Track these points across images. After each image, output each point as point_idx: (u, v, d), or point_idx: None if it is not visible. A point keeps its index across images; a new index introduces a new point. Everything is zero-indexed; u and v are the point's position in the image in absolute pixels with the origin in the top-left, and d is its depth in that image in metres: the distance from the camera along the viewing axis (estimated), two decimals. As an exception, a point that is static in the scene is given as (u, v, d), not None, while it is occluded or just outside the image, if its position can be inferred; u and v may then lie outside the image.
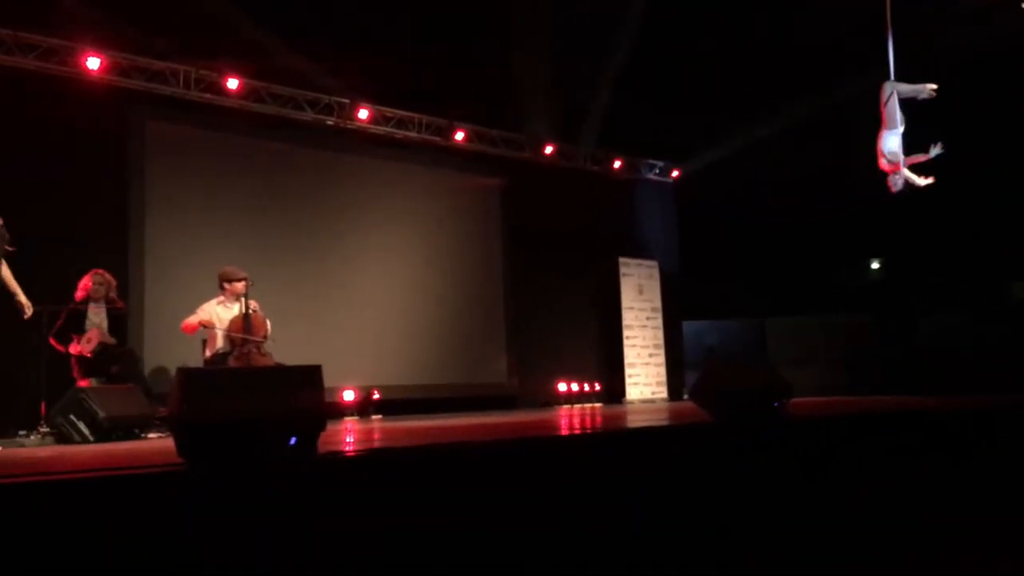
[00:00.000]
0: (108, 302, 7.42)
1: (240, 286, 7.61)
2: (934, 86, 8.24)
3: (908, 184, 8.29)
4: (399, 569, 3.33)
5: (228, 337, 7.45)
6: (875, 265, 15.47)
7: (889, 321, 14.02)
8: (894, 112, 8.17)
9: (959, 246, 13.58)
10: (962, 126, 9.00)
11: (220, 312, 7.67)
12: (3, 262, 6.38)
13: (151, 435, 6.52)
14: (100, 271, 7.47)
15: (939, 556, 4.36)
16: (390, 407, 9.84)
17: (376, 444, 4.88)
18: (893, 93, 8.20)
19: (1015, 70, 11.13)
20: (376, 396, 9.88)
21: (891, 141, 8.21)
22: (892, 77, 8.30)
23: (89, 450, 5.24)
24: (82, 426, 6.04)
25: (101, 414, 6.06)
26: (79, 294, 7.32)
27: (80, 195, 8.27)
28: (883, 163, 8.27)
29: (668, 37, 11.00)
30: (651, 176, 13.52)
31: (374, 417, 9.59)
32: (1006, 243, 13.34)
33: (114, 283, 7.55)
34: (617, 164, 12.92)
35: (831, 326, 13.78)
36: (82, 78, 8.44)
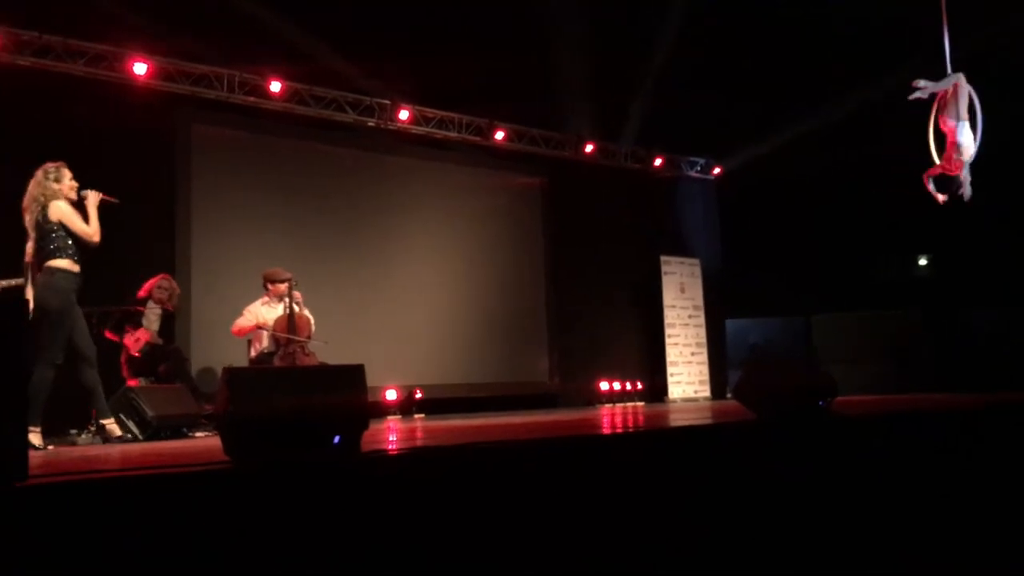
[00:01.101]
0: (166, 308, 7.55)
1: (284, 287, 7.70)
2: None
3: (953, 188, 8.04)
4: (440, 567, 3.34)
5: (273, 337, 7.54)
6: (923, 261, 15.20)
7: (938, 317, 13.76)
8: (961, 105, 7.95)
9: (1008, 241, 13.30)
10: (1013, 119, 8.82)
11: (265, 312, 7.77)
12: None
13: (198, 434, 6.62)
14: (168, 276, 7.61)
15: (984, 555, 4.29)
16: (432, 406, 9.89)
17: (418, 443, 4.91)
18: (959, 85, 7.96)
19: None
20: (418, 395, 9.93)
21: (965, 135, 7.94)
22: (949, 69, 8.11)
23: (138, 448, 5.33)
24: (131, 425, 6.16)
25: (150, 413, 6.17)
26: (141, 292, 7.46)
27: (128, 197, 8.38)
28: (953, 159, 7.98)
29: (708, 32, 10.90)
30: (692, 173, 13.43)
31: (416, 416, 9.64)
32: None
33: (178, 291, 7.68)
34: (658, 162, 12.85)
35: (878, 322, 13.56)
36: (129, 83, 8.60)
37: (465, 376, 10.67)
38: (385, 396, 9.59)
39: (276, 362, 7.36)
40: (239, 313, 7.87)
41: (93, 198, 5.63)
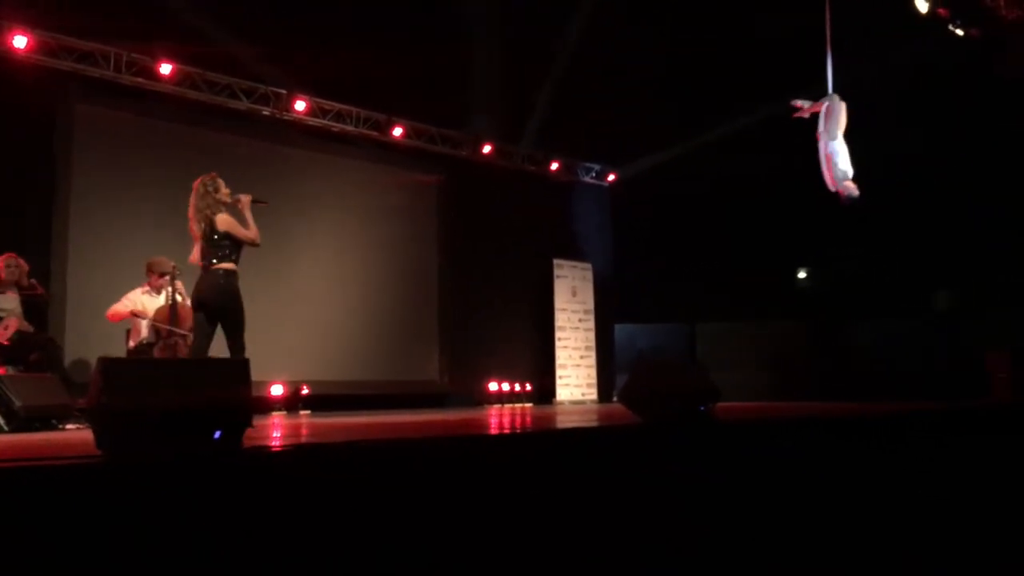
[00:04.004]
0: (23, 288, 7.20)
1: (165, 279, 7.45)
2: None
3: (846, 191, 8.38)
4: (321, 566, 3.29)
5: (153, 327, 7.29)
6: (802, 275, 15.79)
7: (817, 328, 14.34)
8: (833, 124, 8.32)
9: (885, 256, 13.95)
10: (892, 140, 9.26)
11: (146, 301, 7.51)
12: None
13: (69, 426, 6.35)
14: (12, 254, 7.24)
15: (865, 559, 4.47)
16: (319, 403, 9.73)
17: (302, 440, 4.82)
18: (832, 104, 8.35)
19: (945, 88, 11.49)
20: (305, 391, 9.76)
21: (838, 153, 8.31)
22: (831, 90, 8.47)
23: (3, 440, 5.08)
24: (-3, 415, 5.86)
25: (17, 403, 5.89)
26: None
27: (3, 177, 8.02)
28: (829, 175, 8.35)
29: (610, 41, 11.07)
30: (588, 179, 13.63)
31: (302, 412, 9.47)
32: (928, 255, 13.76)
33: (26, 268, 7.31)
34: (555, 166, 12.99)
35: (760, 332, 14.03)
36: (8, 57, 8.18)
37: (354, 373, 10.54)
38: (270, 391, 9.40)
39: (156, 353, 7.13)
40: (118, 300, 7.59)
41: (245, 201, 6.16)
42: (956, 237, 13.30)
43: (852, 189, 8.31)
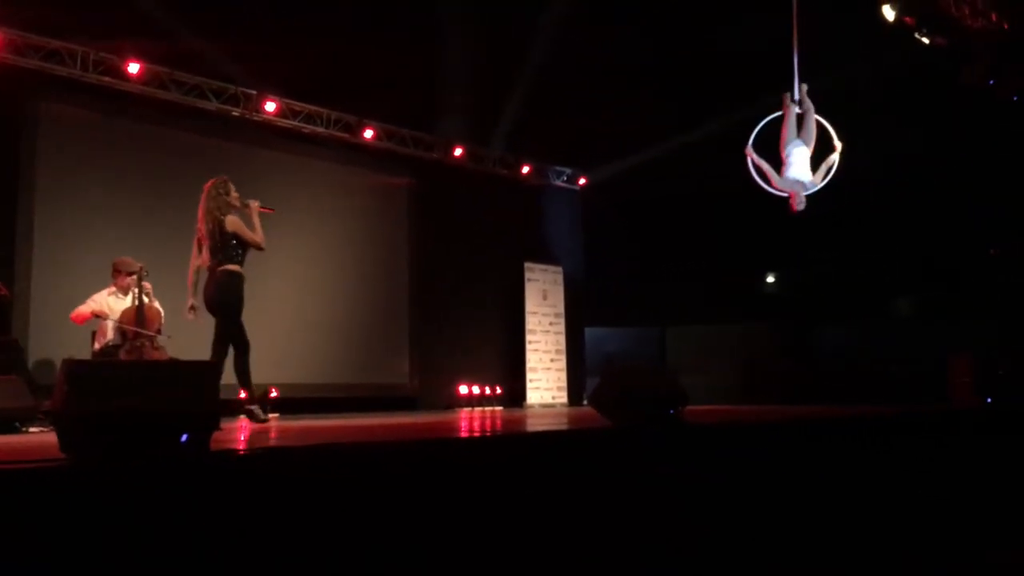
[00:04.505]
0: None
1: (132, 279, 7.36)
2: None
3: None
4: (289, 569, 3.27)
5: (120, 329, 7.20)
6: (771, 279, 15.93)
7: (786, 331, 14.47)
8: (787, 128, 8.38)
9: (851, 261, 14.11)
10: (859, 147, 9.36)
11: (112, 303, 7.42)
12: None
13: (33, 429, 6.26)
14: None
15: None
16: (288, 406, 9.65)
17: (271, 443, 4.79)
18: (787, 110, 8.41)
19: (913, 96, 11.63)
20: (273, 394, 9.67)
21: (793, 156, 8.33)
22: (796, 95, 8.53)
23: (-36, 444, 4.99)
24: (-42, 418, 5.77)
25: (-22, 406, 5.79)
26: None
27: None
28: (779, 178, 8.37)
29: (582, 45, 11.09)
30: (559, 182, 13.65)
31: (271, 416, 9.38)
32: (890, 261, 13.95)
33: None
34: (526, 169, 13.00)
35: (729, 335, 14.14)
36: (-29, 54, 8.07)
37: (323, 376, 10.48)
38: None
39: (122, 356, 7.04)
40: (84, 302, 7.48)
41: (254, 206, 6.41)
42: (921, 243, 13.50)
43: (802, 199, 8.25)
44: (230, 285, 6.22)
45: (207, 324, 9.13)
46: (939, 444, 7.75)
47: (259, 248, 6.37)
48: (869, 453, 6.71)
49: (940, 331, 12.88)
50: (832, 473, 6.09)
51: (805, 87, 8.50)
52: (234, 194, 6.34)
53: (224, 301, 6.22)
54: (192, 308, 6.52)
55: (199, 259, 6.39)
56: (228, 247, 6.20)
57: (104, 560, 2.83)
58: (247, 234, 6.26)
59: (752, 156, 8.38)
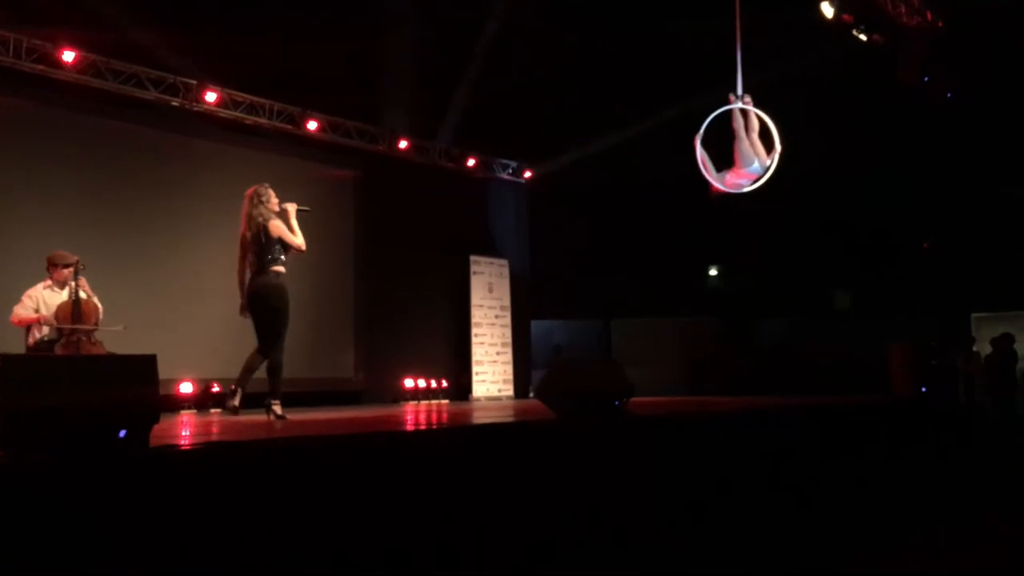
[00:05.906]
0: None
1: (68, 271, 7.18)
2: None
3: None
4: (234, 567, 3.23)
5: (54, 324, 7.03)
6: (713, 272, 16.14)
7: (729, 325, 14.69)
8: (736, 124, 8.45)
9: (791, 256, 14.37)
10: (797, 143, 9.49)
11: (48, 297, 7.22)
12: None
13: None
14: None
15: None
16: (230, 401, 9.52)
17: (212, 438, 4.72)
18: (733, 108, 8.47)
19: (846, 91, 11.87)
20: (215, 389, 9.55)
21: (740, 151, 8.37)
22: (740, 91, 8.61)
23: None
24: None
25: (-93, 403, 5.60)
26: None
27: None
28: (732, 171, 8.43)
29: (527, 39, 11.11)
30: (504, 175, 13.65)
31: (213, 411, 9.26)
32: (829, 255, 14.24)
33: None
34: (471, 162, 12.98)
35: (674, 328, 14.30)
36: None
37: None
38: (179, 389, 9.16)
39: (58, 351, 6.86)
40: (17, 299, 7.26)
41: (292, 210, 6.65)
42: (858, 238, 13.81)
43: (734, 187, 8.29)
44: (280, 287, 6.63)
45: (150, 319, 8.99)
46: (876, 434, 7.94)
47: (300, 251, 6.71)
48: (811, 442, 6.85)
49: (879, 324, 13.18)
50: (775, 461, 6.20)
51: (749, 98, 8.52)
52: (274, 200, 6.60)
53: (275, 305, 6.64)
54: (244, 308, 6.78)
55: (244, 262, 6.66)
56: (274, 251, 6.54)
57: (39, 556, 2.77)
58: (289, 237, 6.59)
59: (697, 147, 8.43)
